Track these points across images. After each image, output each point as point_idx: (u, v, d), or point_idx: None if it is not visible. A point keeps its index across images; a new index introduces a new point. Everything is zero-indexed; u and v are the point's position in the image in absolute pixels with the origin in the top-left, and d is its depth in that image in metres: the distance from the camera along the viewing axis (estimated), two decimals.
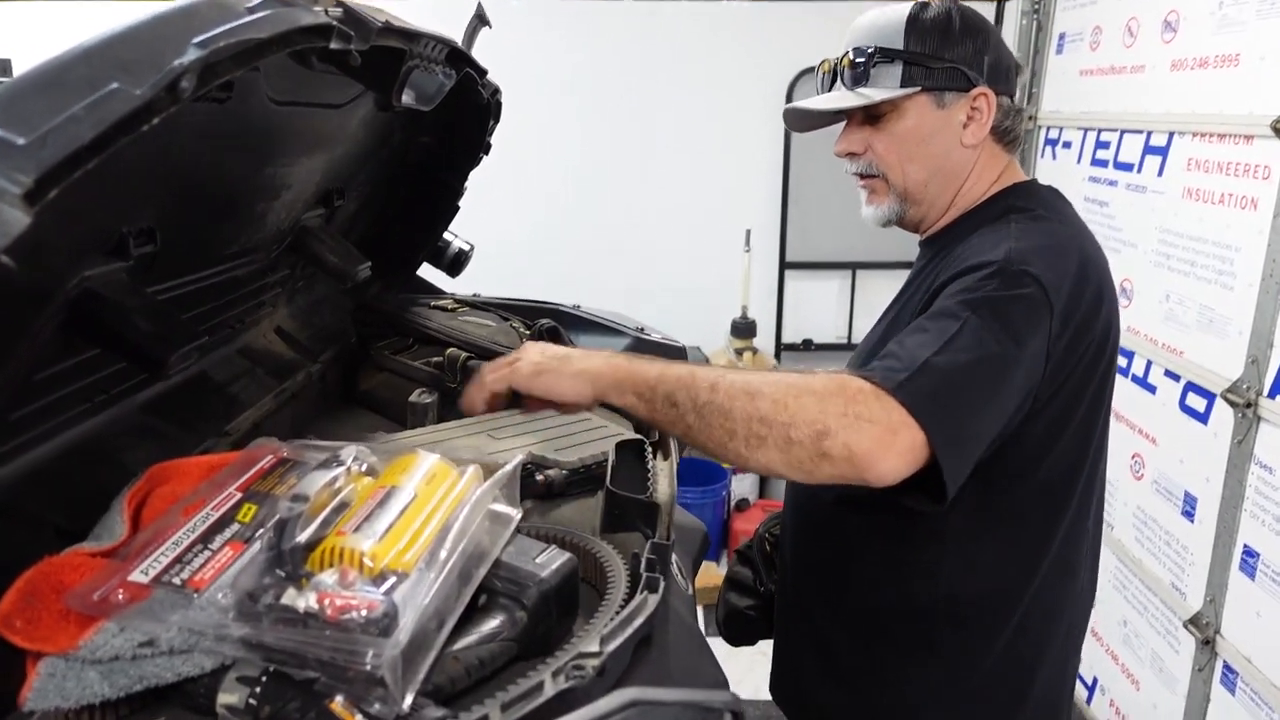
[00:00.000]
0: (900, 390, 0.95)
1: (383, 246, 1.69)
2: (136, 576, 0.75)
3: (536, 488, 1.19)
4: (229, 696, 0.72)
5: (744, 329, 4.01)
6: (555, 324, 1.51)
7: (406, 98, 0.92)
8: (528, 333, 1.50)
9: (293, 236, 1.28)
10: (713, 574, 3.60)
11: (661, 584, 0.87)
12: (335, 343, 1.57)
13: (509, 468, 0.91)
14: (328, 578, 0.73)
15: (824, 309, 4.12)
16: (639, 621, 0.80)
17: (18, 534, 0.84)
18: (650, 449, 1.23)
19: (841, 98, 1.21)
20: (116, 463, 0.96)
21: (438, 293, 1.85)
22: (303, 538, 0.78)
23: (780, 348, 4.14)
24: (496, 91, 1.37)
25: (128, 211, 0.82)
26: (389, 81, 0.83)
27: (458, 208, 1.65)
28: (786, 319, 4.14)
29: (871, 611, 1.26)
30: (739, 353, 3.98)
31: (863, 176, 1.26)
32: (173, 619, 0.72)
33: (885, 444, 0.93)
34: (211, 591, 0.74)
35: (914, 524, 1.18)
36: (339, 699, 0.70)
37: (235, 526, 0.82)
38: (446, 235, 1.79)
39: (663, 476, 1.17)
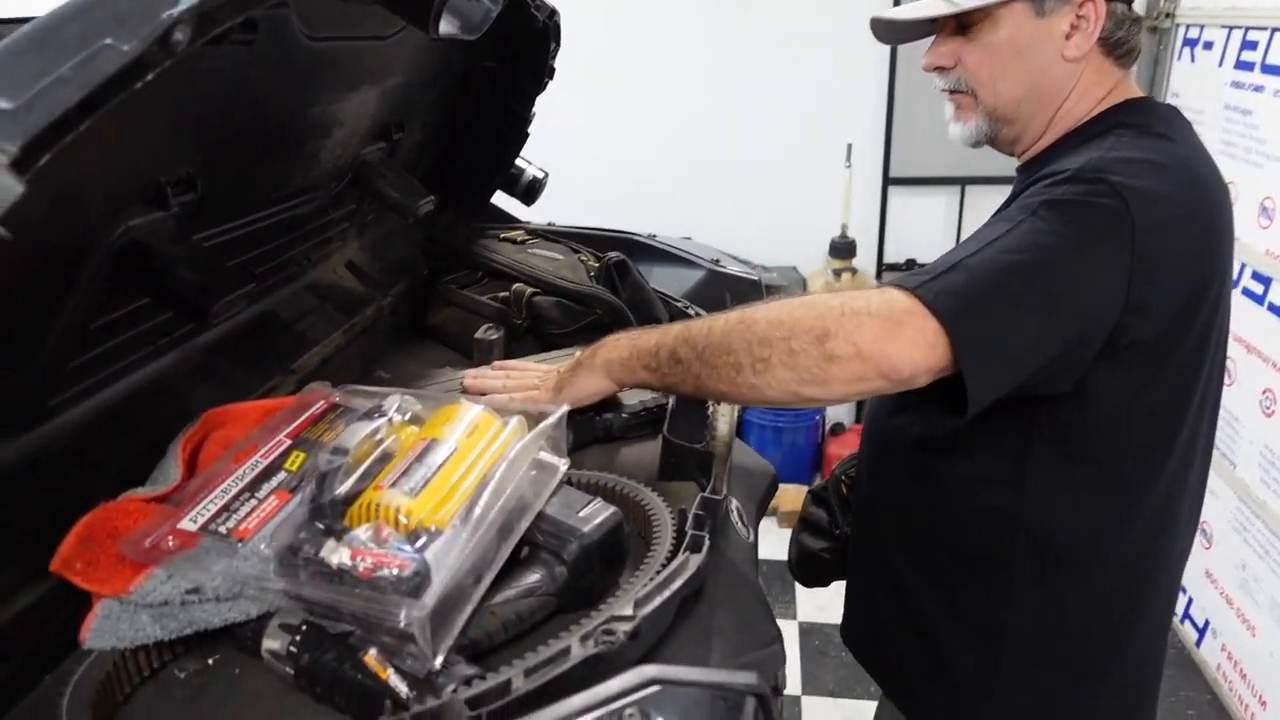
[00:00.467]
0: (921, 288, 0.90)
1: (453, 176, 1.68)
2: (185, 524, 0.77)
3: (595, 431, 1.17)
4: (272, 642, 0.74)
5: (843, 249, 3.87)
6: (624, 257, 1.47)
7: (447, 26, 0.88)
8: (596, 265, 1.47)
9: (353, 172, 1.27)
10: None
11: (706, 543, 0.85)
12: (407, 276, 1.57)
13: (554, 418, 0.89)
14: (362, 533, 0.74)
15: (929, 227, 3.92)
16: (677, 584, 0.78)
17: (82, 477, 0.87)
18: None
19: (930, 5, 1.11)
20: (179, 405, 0.99)
21: (513, 222, 1.83)
22: (341, 491, 0.79)
23: (882, 268, 3.99)
24: (553, 14, 1.31)
25: (164, 161, 0.82)
26: (424, 10, 0.79)
27: (527, 134, 1.62)
28: (889, 238, 3.97)
29: (948, 558, 1.22)
30: (837, 273, 3.86)
31: (951, 92, 1.16)
32: (217, 568, 0.74)
33: (890, 331, 0.89)
34: (255, 541, 0.76)
35: (992, 468, 1.12)
36: (373, 652, 0.71)
37: (282, 475, 0.84)
38: (520, 163, 1.76)
39: (722, 422, 1.14)
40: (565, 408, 0.91)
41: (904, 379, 0.91)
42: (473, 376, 1.20)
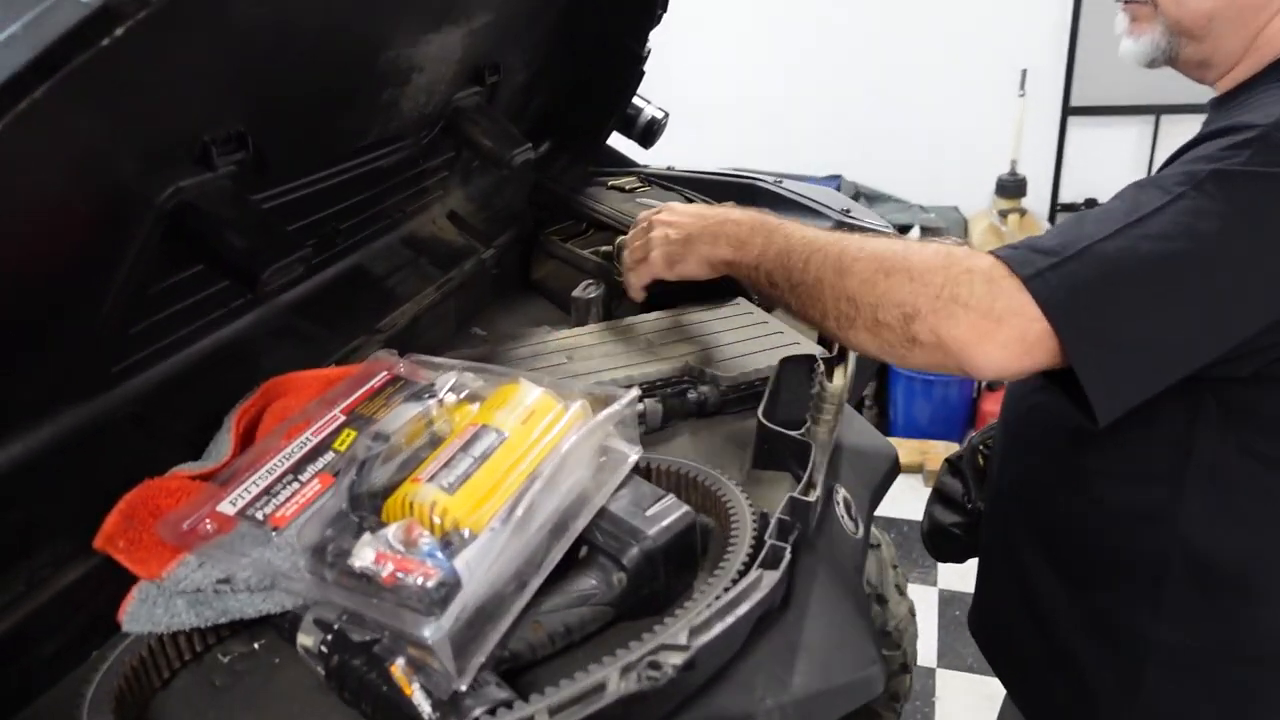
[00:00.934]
0: (1036, 279, 0.80)
1: (564, 119, 1.59)
2: (224, 507, 0.74)
3: (689, 406, 1.07)
4: (306, 638, 0.70)
5: (1012, 187, 3.55)
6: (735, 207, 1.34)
7: None
8: None
9: (445, 119, 1.20)
10: None
11: (786, 557, 0.74)
12: (514, 226, 1.51)
13: (622, 403, 0.80)
14: (393, 533, 0.68)
15: (1116, 163, 3.52)
16: (743, 609, 0.68)
17: (148, 447, 0.86)
18: (822, 367, 1.06)
19: None
20: (254, 370, 0.97)
21: (630, 166, 1.73)
22: (379, 481, 0.73)
23: (1056, 209, 3.63)
24: None
25: (206, 118, 0.77)
26: None
27: (642, 72, 1.50)
28: (1066, 175, 3.60)
29: (1088, 560, 1.07)
30: (1003, 215, 3.54)
31: (1126, 1, 0.99)
32: (247, 558, 0.70)
33: (982, 333, 0.82)
34: (290, 531, 0.72)
35: (1146, 460, 0.97)
36: (400, 663, 0.66)
37: (330, 456, 0.79)
38: (638, 102, 1.65)
39: (828, 405, 1.01)
40: (636, 391, 0.81)
41: (988, 379, 0.86)
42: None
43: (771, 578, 0.72)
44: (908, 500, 3.33)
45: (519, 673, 0.73)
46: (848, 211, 1.48)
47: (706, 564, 0.82)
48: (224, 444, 0.83)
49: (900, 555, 3.18)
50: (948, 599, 2.94)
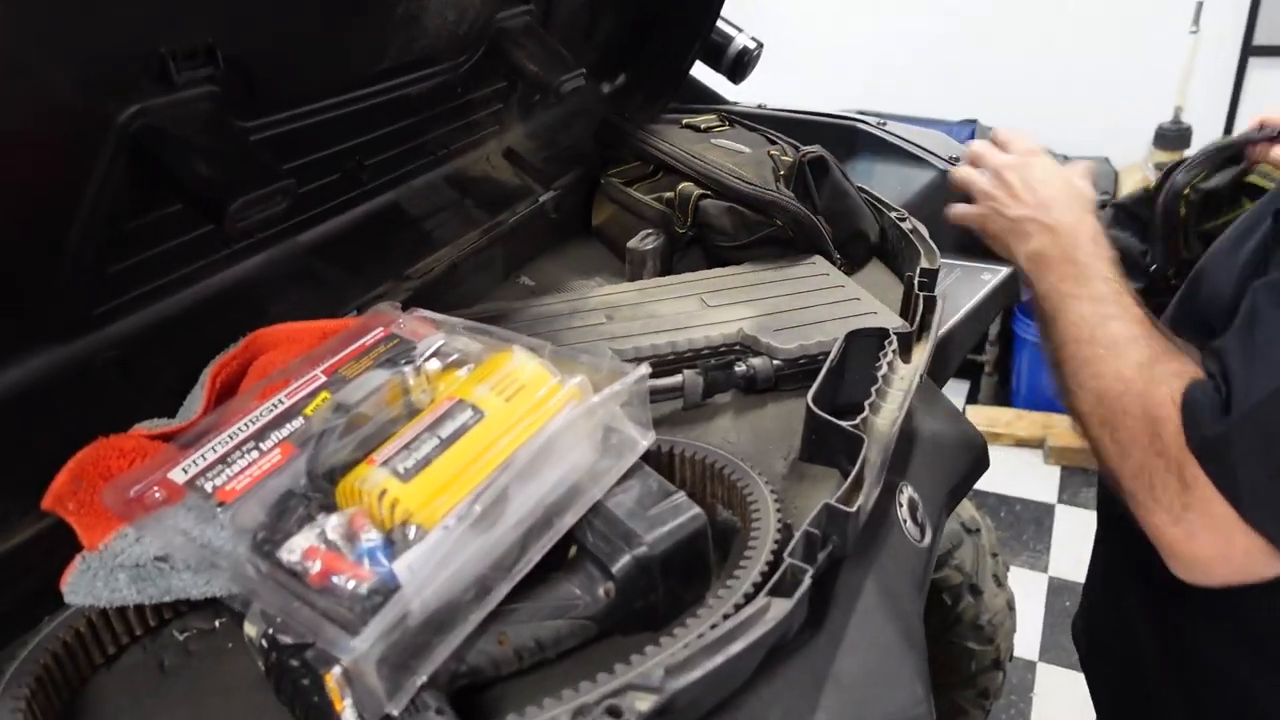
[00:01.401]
0: (1257, 511, 0.70)
1: (640, 48, 1.44)
2: (175, 474, 0.66)
3: (735, 379, 0.94)
4: (250, 628, 0.63)
5: (1174, 138, 3.17)
6: (823, 154, 1.18)
7: None
8: (788, 158, 1.19)
9: (488, 42, 1.09)
10: None
11: (806, 584, 0.61)
12: (580, 165, 1.39)
13: (627, 380, 0.68)
14: (333, 524, 0.59)
15: None
16: (738, 646, 0.56)
17: (129, 396, 0.80)
18: (895, 343, 0.91)
19: None
20: (262, 315, 0.89)
21: (718, 103, 1.58)
22: (334, 460, 0.64)
23: None
24: None
25: (160, 27, 0.67)
26: None
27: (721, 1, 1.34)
28: (1243, 126, 3.17)
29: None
30: (1162, 169, 3.16)
31: None
32: (182, 537, 0.63)
33: (1175, 541, 0.75)
34: (236, 507, 0.63)
35: None
36: (336, 672, 0.57)
37: (298, 422, 0.71)
38: (727, 31, 1.48)
39: (894, 390, 0.86)
40: (645, 369, 0.69)
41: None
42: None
43: (782, 608, 0.60)
44: (1026, 477, 3.08)
45: (481, 689, 0.64)
46: (955, 160, 1.29)
47: (727, 571, 0.69)
48: (197, 400, 0.76)
49: (1010, 537, 2.97)
50: (1057, 588, 2.72)
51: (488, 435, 0.64)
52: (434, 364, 0.71)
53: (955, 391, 3.39)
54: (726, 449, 0.88)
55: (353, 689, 0.56)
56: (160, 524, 0.63)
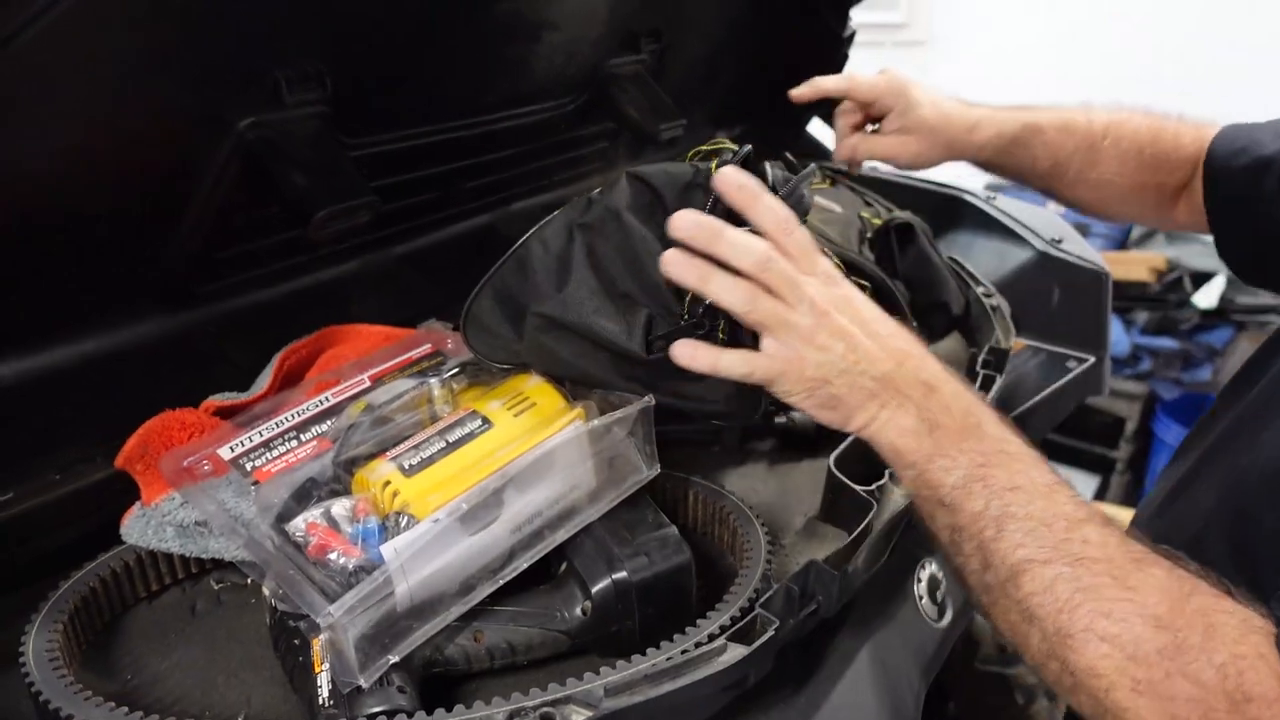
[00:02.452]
0: None
1: (759, 102, 1.48)
2: (223, 451, 0.75)
3: (775, 428, 0.96)
4: (266, 588, 0.70)
5: None
6: (912, 220, 1.17)
7: None
8: (878, 222, 1.20)
9: (596, 86, 1.16)
10: None
11: (768, 635, 0.62)
12: None
13: (631, 409, 0.72)
14: (339, 506, 0.66)
15: None
16: (683, 681, 0.59)
17: (216, 367, 0.90)
18: None
19: None
20: (344, 314, 0.98)
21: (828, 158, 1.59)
22: (353, 452, 0.70)
23: None
24: None
25: (276, 54, 0.77)
26: None
27: (845, 55, 1.36)
28: None
29: None
30: None
31: None
32: (218, 507, 0.71)
33: None
34: (268, 488, 0.71)
35: None
36: (323, 639, 0.63)
37: (346, 416, 0.78)
38: None
39: None
40: (648, 400, 0.72)
41: None
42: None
43: (736, 653, 0.61)
44: None
45: (457, 682, 0.68)
46: (1059, 241, 1.26)
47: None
48: (264, 379, 0.85)
49: None
50: None
51: (491, 444, 0.70)
52: (460, 379, 0.77)
53: (1083, 485, 3.21)
54: (747, 496, 0.91)
55: (333, 656, 0.62)
56: (203, 493, 0.72)
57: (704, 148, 0.87)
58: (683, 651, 0.63)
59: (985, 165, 1.06)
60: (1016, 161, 1.05)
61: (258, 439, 0.76)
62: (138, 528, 0.75)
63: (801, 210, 0.73)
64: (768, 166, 0.87)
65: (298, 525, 0.64)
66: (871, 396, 0.66)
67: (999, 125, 1.04)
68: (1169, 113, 1.04)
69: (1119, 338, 3.17)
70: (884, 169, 1.52)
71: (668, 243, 0.71)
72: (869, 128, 1.11)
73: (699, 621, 0.67)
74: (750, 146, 0.81)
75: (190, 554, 0.75)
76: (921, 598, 0.87)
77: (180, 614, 0.76)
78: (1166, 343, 3.10)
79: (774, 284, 0.67)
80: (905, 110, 1.04)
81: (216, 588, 0.79)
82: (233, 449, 0.75)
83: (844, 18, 1.30)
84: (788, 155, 1.10)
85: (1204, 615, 0.55)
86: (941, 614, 0.88)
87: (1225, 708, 0.53)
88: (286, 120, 0.82)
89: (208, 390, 0.87)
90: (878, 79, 1.07)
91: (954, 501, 0.64)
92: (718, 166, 0.77)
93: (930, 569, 0.89)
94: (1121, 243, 3.42)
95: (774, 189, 0.79)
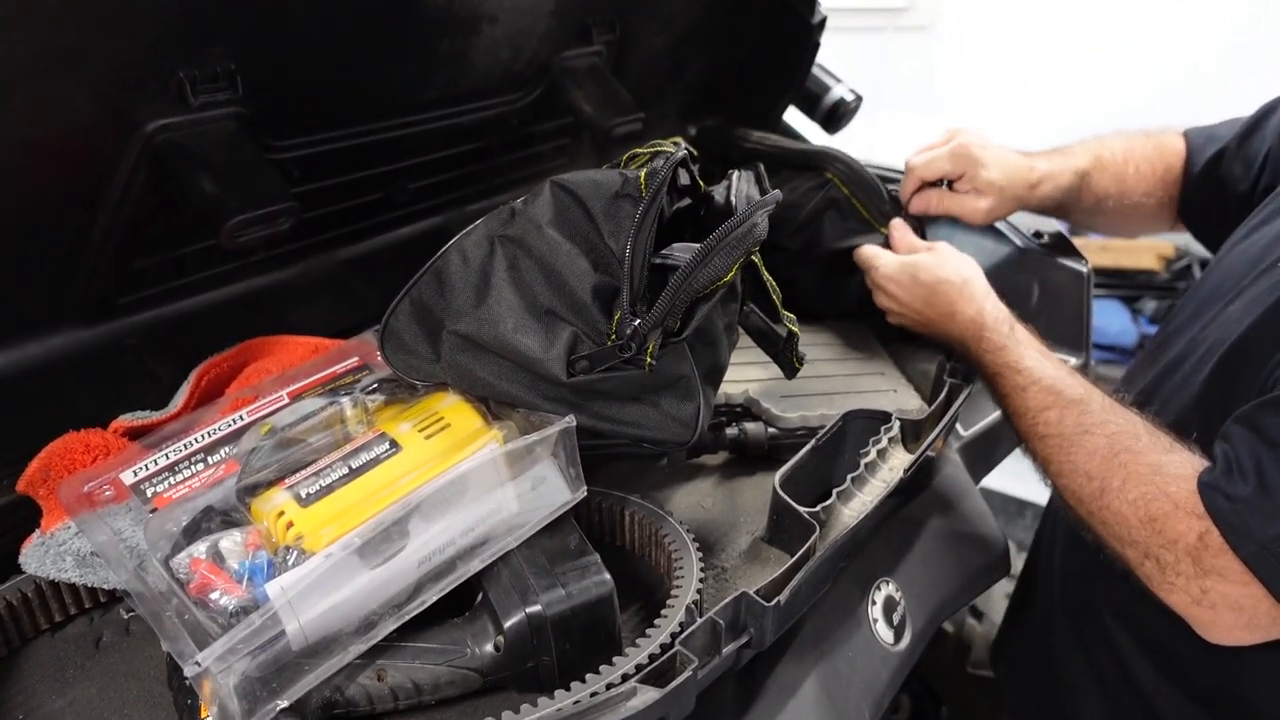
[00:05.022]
0: (1259, 561, 0.72)
1: (731, 93, 1.43)
2: (125, 476, 0.71)
3: (722, 441, 0.91)
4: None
5: None
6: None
7: None
8: None
9: (551, 80, 1.11)
10: None
11: (685, 676, 0.58)
12: None
13: (552, 429, 0.67)
14: (228, 540, 0.61)
15: None
16: None
17: (137, 382, 0.86)
18: (895, 430, 0.85)
19: None
20: (281, 321, 0.95)
21: None
22: (251, 480, 0.66)
23: None
24: None
25: (181, 53, 0.73)
26: None
27: (816, 43, 1.30)
28: None
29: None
30: None
31: None
32: (112, 536, 0.67)
33: (1198, 617, 0.77)
34: (159, 518, 0.67)
35: None
36: (212, 683, 0.59)
37: (249, 439, 0.74)
38: (825, 80, 1.45)
39: (876, 480, 0.81)
40: (570, 420, 0.68)
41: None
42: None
43: (646, 697, 0.57)
44: None
45: None
46: (1039, 235, 1.20)
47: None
48: (180, 397, 0.81)
49: None
50: None
51: (398, 469, 0.65)
52: (376, 397, 0.73)
53: None
54: (694, 513, 0.86)
55: (218, 700, 0.58)
56: (99, 521, 0.68)
57: (642, 151, 0.82)
58: (592, 694, 0.58)
59: (1040, 212, 1.17)
60: (1068, 207, 1.15)
61: (163, 462, 0.72)
62: (36, 556, 0.71)
63: (753, 239, 0.69)
64: (735, 178, 0.83)
65: (182, 561, 0.60)
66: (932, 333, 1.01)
67: (1056, 180, 1.11)
68: (1144, 128, 1.18)
69: (1126, 327, 3.09)
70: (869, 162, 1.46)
71: (593, 259, 0.69)
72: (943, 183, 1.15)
73: (615, 659, 0.62)
74: (684, 152, 0.76)
75: (92, 584, 0.71)
76: (876, 621, 0.82)
77: (84, 647, 0.72)
78: None
79: None
80: (975, 176, 1.09)
81: (125, 617, 0.75)
82: (135, 473, 0.71)
83: (812, 4, 1.24)
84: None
85: (1123, 467, 0.80)
86: (899, 637, 0.83)
87: (1139, 525, 0.77)
88: (196, 122, 0.78)
89: (130, 406, 0.83)
90: (948, 156, 1.10)
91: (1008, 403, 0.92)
92: (649, 171, 0.73)
93: (887, 590, 0.84)
94: None
95: (733, 210, 0.75)
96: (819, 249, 1.10)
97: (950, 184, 1.12)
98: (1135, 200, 1.14)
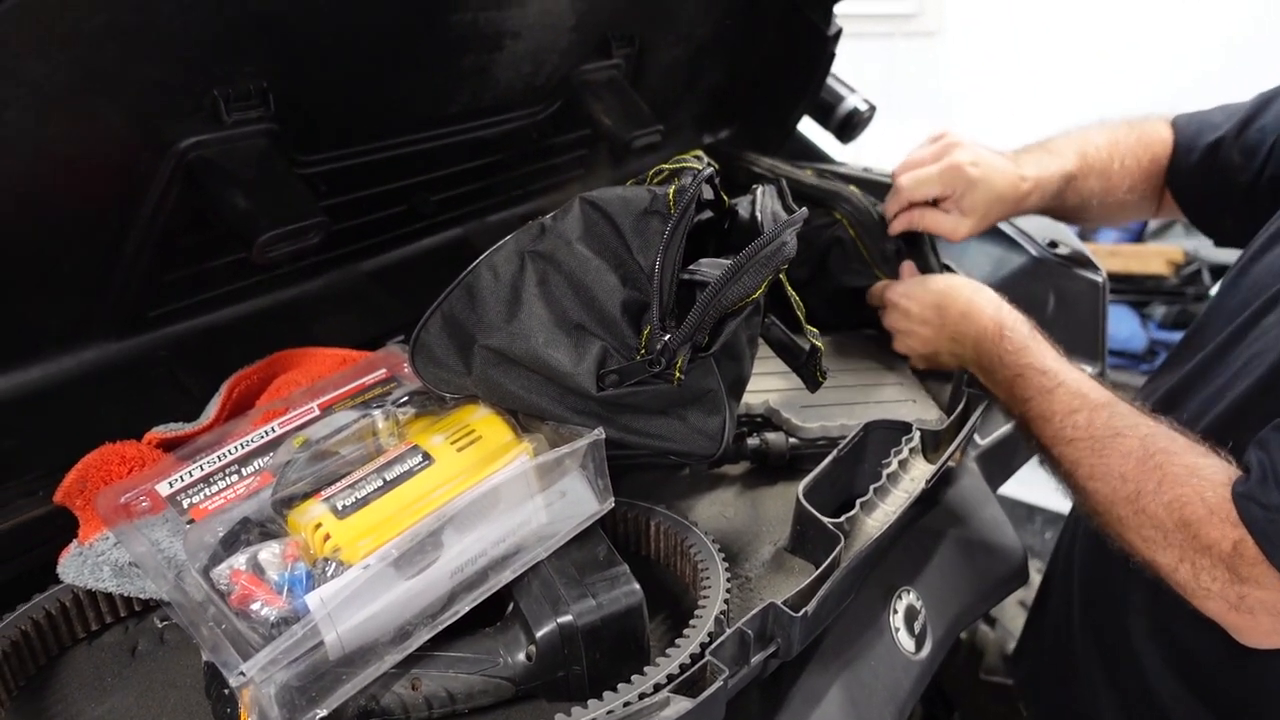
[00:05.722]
0: None
1: (747, 103, 1.44)
2: (161, 487, 0.73)
3: (744, 451, 0.92)
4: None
5: None
6: (900, 245, 1.13)
7: None
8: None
9: (571, 93, 1.12)
10: None
11: (717, 685, 0.59)
12: None
13: (582, 442, 0.68)
14: (268, 551, 0.63)
15: None
16: None
17: (169, 394, 0.87)
18: (916, 441, 0.86)
19: None
20: (309, 333, 0.96)
21: (823, 160, 1.55)
22: (288, 491, 0.67)
23: None
24: None
25: (214, 72, 0.74)
26: None
27: (831, 54, 1.31)
28: None
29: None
30: None
31: None
32: (151, 547, 0.68)
33: (1236, 624, 0.77)
34: (198, 530, 0.68)
35: None
36: (252, 689, 0.60)
37: (284, 451, 0.75)
38: (839, 90, 1.46)
39: (898, 490, 0.82)
40: (599, 433, 0.69)
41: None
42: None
43: (680, 707, 0.58)
44: None
45: None
46: (1054, 245, 1.21)
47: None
48: (212, 408, 0.82)
49: None
50: None
51: (431, 482, 0.67)
52: (407, 410, 0.74)
53: None
54: (716, 523, 0.88)
55: (259, 708, 0.59)
56: (137, 532, 0.69)
57: (666, 166, 0.83)
58: (625, 704, 0.59)
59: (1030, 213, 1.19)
60: (1053, 209, 1.17)
61: (198, 474, 0.73)
62: (74, 567, 0.72)
63: (782, 257, 0.70)
64: (759, 193, 0.84)
65: (222, 572, 0.62)
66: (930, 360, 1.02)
67: (1044, 189, 1.11)
68: (1128, 118, 1.18)
69: (1135, 332, 3.10)
70: (877, 169, 1.47)
71: (622, 275, 0.70)
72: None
73: (647, 669, 0.63)
74: (711, 169, 0.77)
75: (129, 594, 0.72)
76: (898, 630, 0.83)
77: (120, 655, 0.74)
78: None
79: None
80: (961, 197, 1.08)
81: (160, 626, 0.76)
82: (171, 484, 0.72)
83: (828, 15, 1.25)
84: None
85: (1159, 469, 0.79)
86: (920, 645, 0.84)
87: (1174, 529, 0.77)
88: (228, 139, 0.79)
89: (161, 418, 0.84)
90: (938, 179, 1.08)
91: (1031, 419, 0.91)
92: (678, 189, 0.74)
93: (908, 599, 0.85)
94: (1138, 235, 3.35)
95: (759, 227, 0.77)
96: (825, 282, 1.13)
97: (936, 200, 1.11)
98: (1119, 197, 1.15)
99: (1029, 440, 0.93)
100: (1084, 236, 3.45)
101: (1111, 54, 3.58)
